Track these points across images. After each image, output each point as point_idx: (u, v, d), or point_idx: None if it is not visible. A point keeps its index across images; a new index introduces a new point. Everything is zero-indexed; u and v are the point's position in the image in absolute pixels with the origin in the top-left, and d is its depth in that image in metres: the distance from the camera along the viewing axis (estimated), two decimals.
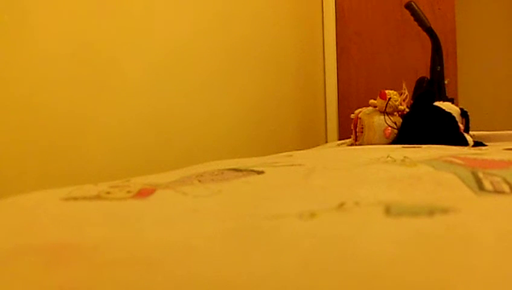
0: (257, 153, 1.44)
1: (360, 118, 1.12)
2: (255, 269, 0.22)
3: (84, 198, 0.38)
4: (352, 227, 0.26)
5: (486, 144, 1.06)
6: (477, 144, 1.03)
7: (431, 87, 1.17)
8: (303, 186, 0.43)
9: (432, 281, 0.20)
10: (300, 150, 1.07)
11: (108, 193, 0.40)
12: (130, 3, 1.14)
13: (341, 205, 0.34)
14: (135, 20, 1.16)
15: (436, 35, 1.22)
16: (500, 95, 2.82)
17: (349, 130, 1.19)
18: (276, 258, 0.22)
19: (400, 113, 1.12)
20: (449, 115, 1.02)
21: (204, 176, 0.49)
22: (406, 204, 0.30)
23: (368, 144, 1.07)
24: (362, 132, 1.11)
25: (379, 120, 1.08)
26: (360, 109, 1.16)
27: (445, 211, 0.27)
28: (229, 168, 0.53)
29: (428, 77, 1.21)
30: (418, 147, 0.78)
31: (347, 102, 2.29)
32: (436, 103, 1.06)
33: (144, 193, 0.39)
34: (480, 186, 0.39)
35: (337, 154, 0.72)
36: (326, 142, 2.20)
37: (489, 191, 0.38)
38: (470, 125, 1.09)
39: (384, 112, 1.08)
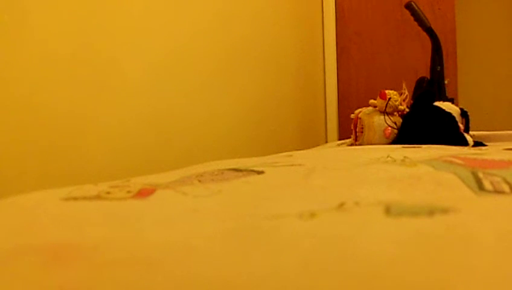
0: (257, 153, 1.44)
1: (360, 118, 1.13)
2: (255, 269, 0.22)
3: (84, 198, 0.38)
4: (352, 227, 0.26)
5: (486, 144, 1.06)
6: (477, 144, 1.03)
7: (431, 87, 1.17)
8: (303, 186, 0.43)
9: (432, 281, 0.20)
10: (300, 150, 1.07)
11: (108, 193, 0.40)
12: (130, 4, 1.14)
13: (341, 205, 0.34)
14: (135, 20, 1.16)
15: (436, 35, 1.22)
16: (500, 95, 2.82)
17: (349, 130, 1.19)
18: (276, 258, 0.22)
19: (400, 113, 1.12)
20: (449, 115, 1.02)
21: (204, 176, 0.49)
22: (406, 204, 0.30)
23: (368, 144, 1.07)
24: (362, 132, 1.11)
25: (379, 120, 1.08)
26: (360, 109, 1.16)
27: (445, 211, 0.27)
28: (229, 168, 0.53)
29: (428, 77, 1.21)
30: (418, 147, 0.78)
31: (347, 102, 2.29)
32: (436, 103, 1.06)
33: (143, 193, 0.39)
34: (480, 186, 0.39)
35: (337, 154, 0.72)
36: (326, 142, 2.20)
37: (489, 191, 0.38)
38: (470, 125, 1.09)
39: (384, 112, 1.08)
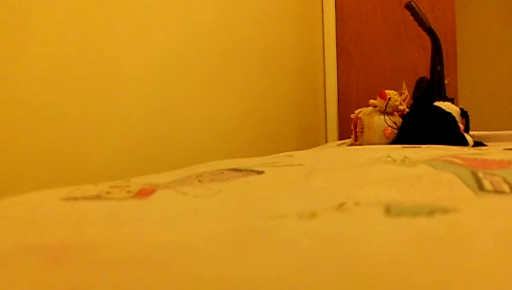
0: (257, 153, 1.45)
1: (360, 118, 1.13)
2: (255, 269, 0.22)
3: (84, 198, 0.38)
4: (352, 227, 0.26)
5: (486, 144, 1.06)
6: (477, 144, 1.03)
7: (431, 87, 1.17)
8: (303, 186, 0.43)
9: (432, 281, 0.20)
10: (300, 150, 1.07)
11: (108, 193, 0.40)
12: (130, 4, 1.14)
13: (341, 205, 0.34)
14: (135, 20, 1.16)
15: (436, 35, 1.22)
16: (500, 95, 2.82)
17: (349, 130, 1.19)
18: (276, 258, 0.22)
19: (399, 113, 1.13)
20: (449, 115, 1.02)
21: (204, 176, 0.49)
22: (406, 204, 0.30)
23: (368, 144, 1.07)
24: (362, 132, 1.11)
25: (379, 120, 1.08)
26: (360, 109, 1.16)
27: (445, 211, 0.27)
28: (229, 168, 0.53)
29: (428, 77, 1.21)
30: (418, 147, 0.78)
31: (347, 102, 2.29)
32: (436, 103, 1.06)
33: (144, 193, 0.39)
34: (480, 186, 0.39)
35: (337, 154, 0.72)
36: (326, 142, 2.20)
37: (489, 191, 0.38)
38: (470, 125, 1.09)
39: (384, 112, 1.08)
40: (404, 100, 1.12)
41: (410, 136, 1.02)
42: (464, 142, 1.00)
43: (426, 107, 1.06)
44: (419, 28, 1.24)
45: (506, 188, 0.38)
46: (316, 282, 0.20)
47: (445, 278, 0.20)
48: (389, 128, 1.07)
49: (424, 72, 1.32)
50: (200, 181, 0.46)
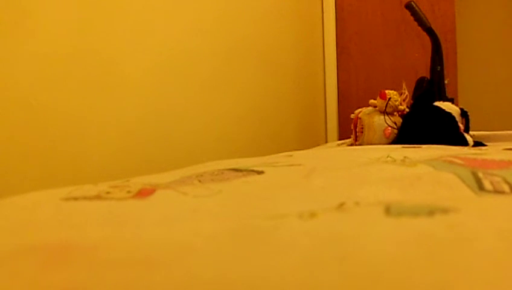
0: (257, 153, 1.44)
1: (360, 118, 1.13)
2: (255, 269, 0.22)
3: (84, 198, 0.38)
4: (352, 227, 0.26)
5: (486, 144, 1.06)
6: (477, 144, 1.03)
7: (431, 87, 1.17)
8: (303, 186, 0.43)
9: (432, 281, 0.20)
10: (300, 150, 1.07)
11: (108, 193, 0.40)
12: (130, 4, 1.14)
13: (341, 205, 0.34)
14: (135, 20, 1.16)
15: (436, 35, 1.22)
16: (500, 95, 2.82)
17: (349, 130, 1.19)
18: (276, 258, 0.22)
19: (399, 113, 1.12)
20: (449, 115, 1.02)
21: (204, 176, 0.49)
22: (406, 204, 0.30)
23: (368, 144, 1.07)
24: (362, 132, 1.11)
25: (379, 120, 1.08)
26: (360, 109, 1.16)
27: (445, 211, 0.27)
28: (229, 168, 0.53)
29: (428, 77, 1.21)
30: (418, 147, 0.79)
31: (347, 102, 2.29)
32: (436, 103, 1.06)
33: (144, 193, 0.39)
34: (480, 186, 0.39)
35: (337, 154, 0.72)
36: (326, 142, 2.20)
37: (489, 191, 0.38)
38: (470, 125, 1.09)
39: (384, 112, 1.08)
40: (404, 100, 1.12)
41: (410, 136, 1.02)
42: (463, 142, 1.00)
43: (426, 107, 1.06)
44: (419, 28, 1.24)
45: (506, 188, 0.38)
46: (316, 282, 0.20)
47: (445, 278, 0.20)
48: (389, 128, 1.07)
49: (424, 72, 1.32)
50: (200, 181, 0.46)
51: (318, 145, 1.76)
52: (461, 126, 1.04)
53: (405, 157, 0.60)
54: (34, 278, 0.22)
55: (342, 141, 1.42)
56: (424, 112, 1.05)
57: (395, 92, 1.10)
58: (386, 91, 1.08)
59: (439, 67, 1.20)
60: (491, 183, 0.39)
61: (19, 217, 0.34)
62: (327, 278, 0.21)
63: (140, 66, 1.17)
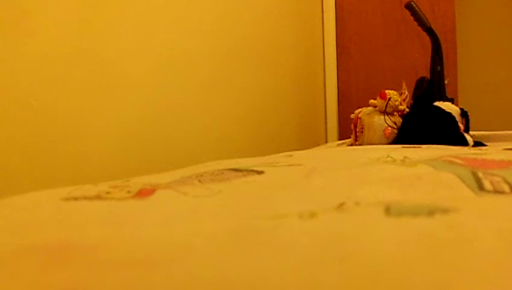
0: (257, 153, 1.44)
1: (360, 118, 1.13)
2: (255, 269, 0.22)
3: (84, 198, 0.38)
4: (352, 227, 0.26)
5: (486, 144, 1.06)
6: (477, 144, 1.03)
7: (431, 87, 1.17)
8: (303, 186, 0.43)
9: (432, 281, 0.20)
10: (300, 150, 1.07)
11: (108, 193, 0.40)
12: (130, 4, 1.14)
13: (341, 205, 0.34)
14: (135, 21, 1.16)
15: (436, 35, 1.22)
16: (500, 95, 2.82)
17: (349, 130, 1.19)
18: (276, 258, 0.22)
19: (399, 113, 1.12)
20: (449, 115, 1.02)
21: (204, 176, 0.49)
22: (406, 204, 0.30)
23: (368, 144, 1.07)
24: (362, 132, 1.11)
25: (379, 120, 1.08)
26: (360, 109, 1.16)
27: (445, 211, 0.27)
28: (229, 168, 0.53)
29: (428, 77, 1.21)
30: (418, 147, 0.78)
31: (347, 102, 2.29)
32: (436, 103, 1.06)
33: (144, 193, 0.39)
34: (480, 186, 0.39)
35: (337, 154, 0.72)
36: (326, 142, 2.20)
37: (489, 191, 0.38)
38: (470, 125, 1.09)
39: (384, 112, 1.08)
40: (404, 100, 1.12)
41: (410, 136, 1.02)
42: (464, 142, 1.00)
43: (426, 107, 1.06)
44: (419, 28, 1.24)
45: (506, 188, 0.38)
46: (316, 282, 0.20)
47: (445, 278, 0.20)
48: (389, 128, 1.07)
49: (424, 72, 1.32)
50: (200, 181, 0.46)
51: (318, 145, 1.76)
52: (461, 126, 1.04)
53: (405, 157, 0.60)
54: (34, 278, 0.22)
55: (342, 141, 1.42)
56: (424, 112, 1.05)
57: (395, 92, 1.10)
58: (386, 91, 1.08)
59: (439, 67, 1.20)
60: (491, 183, 0.39)
61: (19, 217, 0.34)
62: (327, 278, 0.21)
63: (140, 66, 1.17)
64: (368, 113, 1.11)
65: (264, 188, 0.42)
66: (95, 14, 1.05)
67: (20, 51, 0.89)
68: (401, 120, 1.09)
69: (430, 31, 1.22)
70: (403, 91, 1.14)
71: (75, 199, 0.38)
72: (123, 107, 1.12)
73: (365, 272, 0.21)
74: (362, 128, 1.11)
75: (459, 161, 0.48)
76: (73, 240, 0.27)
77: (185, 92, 1.33)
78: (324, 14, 2.32)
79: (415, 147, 0.79)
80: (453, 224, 0.25)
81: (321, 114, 2.31)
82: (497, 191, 0.38)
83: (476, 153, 0.57)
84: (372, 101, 1.12)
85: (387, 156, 0.62)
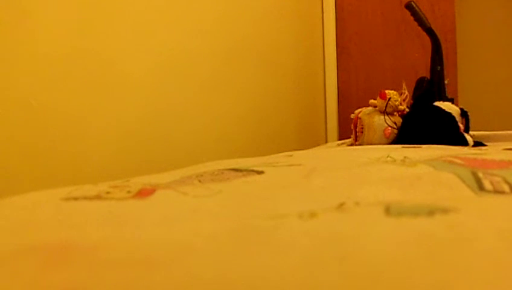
0: (257, 153, 1.44)
1: (360, 118, 1.13)
2: (255, 269, 0.22)
3: (84, 198, 0.38)
4: (352, 227, 0.26)
5: (486, 144, 1.06)
6: (477, 144, 1.03)
7: (431, 87, 1.17)
8: (303, 186, 0.43)
9: (432, 281, 0.20)
10: (300, 150, 1.07)
11: (108, 193, 0.40)
12: (130, 4, 1.14)
13: (341, 205, 0.34)
14: (135, 21, 1.16)
15: (436, 35, 1.22)
16: (500, 95, 2.82)
17: (349, 130, 1.19)
18: (276, 258, 0.22)
19: (399, 113, 1.12)
20: (449, 115, 1.02)
21: (204, 176, 0.49)
22: (406, 204, 0.30)
23: (368, 144, 1.07)
24: (362, 132, 1.11)
25: (379, 120, 1.08)
26: (360, 109, 1.16)
27: (445, 211, 0.27)
28: (229, 168, 0.53)
29: (428, 77, 1.21)
30: (418, 147, 0.78)
31: (347, 102, 2.29)
32: (436, 103, 1.06)
33: (144, 193, 0.39)
34: (480, 186, 0.39)
35: (337, 154, 0.72)
36: (326, 142, 2.20)
37: (489, 191, 0.38)
38: (470, 125, 1.09)
39: (384, 112, 1.08)
40: (404, 100, 1.12)
41: (410, 136, 1.02)
42: (464, 142, 1.00)
43: (426, 107, 1.06)
44: (419, 28, 1.24)
45: (506, 188, 0.38)
46: (316, 282, 0.20)
47: (445, 278, 0.20)
48: (389, 128, 1.07)
49: (424, 72, 1.32)
50: (200, 181, 0.46)
51: (318, 145, 1.76)
52: (461, 126, 1.04)
53: (405, 157, 0.60)
54: (34, 278, 0.22)
55: (342, 141, 1.42)
56: (424, 112, 1.05)
57: (395, 92, 1.10)
58: (386, 91, 1.08)
59: (439, 67, 1.20)
60: (491, 183, 0.39)
61: (19, 217, 0.34)
62: (327, 278, 0.21)
63: (140, 66, 1.17)
64: (368, 113, 1.11)
65: (264, 188, 0.42)
66: (95, 14, 1.05)
67: (20, 51, 0.89)
68: (401, 120, 1.09)
69: (430, 31, 1.22)
70: (403, 91, 1.14)
71: (75, 199, 0.38)
72: (123, 107, 1.12)
73: (365, 272, 0.21)
74: (362, 128, 1.11)
75: (459, 161, 0.48)
76: (73, 240, 0.27)
77: (185, 92, 1.33)
78: (324, 14, 2.32)
79: (415, 147, 0.79)
80: (453, 224, 0.25)
81: (321, 114, 2.31)
82: (497, 191, 0.38)
83: (476, 153, 0.57)
84: (372, 101, 1.12)
85: (387, 156, 0.62)
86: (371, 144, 1.06)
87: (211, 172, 0.51)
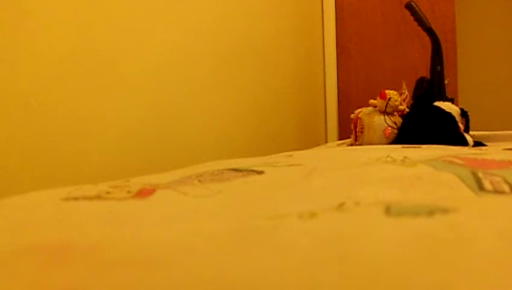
0: (257, 153, 1.44)
1: (360, 118, 1.13)
2: (255, 269, 0.22)
3: (84, 198, 0.38)
4: (352, 227, 0.26)
5: (486, 144, 1.06)
6: (477, 144, 1.03)
7: (431, 87, 1.17)
8: (303, 186, 0.43)
9: (432, 281, 0.20)
10: (300, 150, 1.07)
11: (108, 193, 0.40)
12: (130, 4, 1.14)
13: (341, 205, 0.34)
14: (135, 20, 1.16)
15: (436, 35, 1.22)
16: (500, 95, 2.82)
17: (349, 130, 1.19)
18: (276, 258, 0.22)
19: (399, 113, 1.13)
20: (449, 115, 1.02)
21: (204, 176, 0.49)
22: (406, 204, 0.30)
23: (368, 144, 1.07)
24: (362, 132, 1.11)
25: (379, 120, 1.08)
26: (360, 109, 1.16)
27: (445, 211, 0.27)
28: (229, 168, 0.53)
29: (428, 77, 1.21)
30: (418, 147, 0.79)
31: (347, 102, 2.29)
32: (436, 103, 1.06)
33: (144, 193, 0.39)
34: (480, 186, 0.39)
35: (337, 154, 0.72)
36: (326, 142, 2.20)
37: (489, 191, 0.38)
38: (470, 125, 1.09)
39: (384, 112, 1.08)
40: (404, 100, 1.12)
41: (410, 136, 1.02)
42: (464, 142, 1.00)
43: (426, 107, 1.06)
44: (419, 28, 1.24)
45: (506, 188, 0.38)
46: (316, 282, 0.20)
47: (445, 278, 0.20)
48: (389, 128, 1.07)
49: (424, 72, 1.32)
50: (200, 181, 0.46)
51: (318, 145, 1.76)
52: (461, 126, 1.04)
53: (405, 157, 0.60)
54: (34, 278, 0.22)
55: (342, 141, 1.42)
56: (424, 112, 1.05)
57: (395, 92, 1.10)
58: (386, 91, 1.09)
59: (439, 67, 1.20)
60: (491, 183, 0.39)
61: (19, 217, 0.34)
62: (327, 278, 0.21)
63: (141, 66, 1.17)
64: (368, 113, 1.11)
65: (264, 188, 0.42)
66: (95, 14, 1.05)
67: (20, 51, 0.89)
68: (401, 120, 1.09)
69: (430, 31, 1.22)
70: (403, 91, 1.14)
71: (75, 199, 0.38)
72: (123, 107, 1.12)
73: (365, 272, 0.21)
74: (362, 128, 1.11)
75: (459, 161, 0.48)
76: (73, 240, 0.27)
77: (185, 92, 1.33)
78: (324, 14, 2.32)
79: (415, 147, 0.79)
80: (453, 224, 0.25)
81: (321, 114, 2.31)
82: (497, 191, 0.38)
83: (476, 153, 0.57)
84: (372, 101, 1.12)
85: (387, 156, 0.62)
86: (371, 144, 1.06)
87: (211, 172, 0.51)
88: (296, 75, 2.03)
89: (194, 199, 0.38)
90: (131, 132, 1.14)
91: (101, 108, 1.06)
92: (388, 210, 0.28)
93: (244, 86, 1.61)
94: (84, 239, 0.27)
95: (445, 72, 1.22)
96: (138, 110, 1.16)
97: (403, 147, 0.79)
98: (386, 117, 1.08)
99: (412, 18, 1.25)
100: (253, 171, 0.50)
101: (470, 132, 1.09)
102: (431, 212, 0.27)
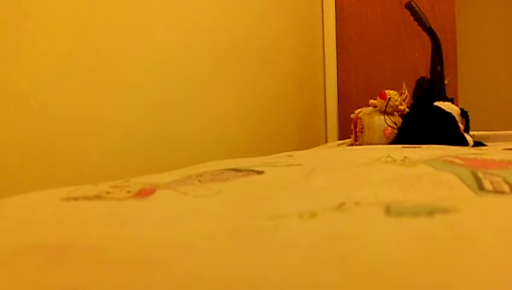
0: (257, 153, 1.44)
1: (360, 118, 1.13)
2: (255, 269, 0.22)
3: (84, 198, 0.38)
4: (352, 227, 0.26)
5: (486, 144, 1.06)
6: (477, 144, 1.03)
7: (431, 87, 1.17)
8: (303, 186, 0.43)
9: (432, 281, 0.20)
10: (300, 150, 1.07)
11: (108, 193, 0.40)
12: (130, 4, 1.14)
13: (341, 205, 0.34)
14: (135, 20, 1.16)
15: (436, 35, 1.22)
16: (500, 95, 2.82)
17: (349, 130, 1.19)
18: (276, 258, 0.22)
19: (399, 113, 1.13)
20: (449, 115, 1.02)
21: (204, 176, 0.49)
22: (406, 204, 0.30)
23: (368, 144, 1.07)
24: (362, 132, 1.11)
25: (379, 120, 1.08)
26: (360, 109, 1.16)
27: (445, 211, 0.27)
28: (229, 168, 0.53)
29: (428, 77, 1.21)
30: (418, 147, 0.79)
31: (347, 102, 2.29)
32: (436, 103, 1.06)
33: (144, 193, 0.39)
34: (480, 186, 0.39)
35: (337, 154, 0.72)
36: (326, 142, 2.20)
37: (489, 191, 0.38)
38: (470, 125, 1.09)
39: (384, 112, 1.08)
40: (404, 100, 1.12)
41: (410, 136, 1.02)
42: (464, 142, 1.00)
43: (426, 107, 1.06)
44: (419, 28, 1.24)
45: (506, 188, 0.38)
46: (316, 282, 0.20)
47: (445, 278, 0.20)
48: (389, 128, 1.07)
49: (424, 72, 1.32)
50: (200, 181, 0.46)
51: (318, 145, 1.76)
52: (461, 126, 1.04)
53: (405, 157, 0.60)
54: (34, 278, 0.22)
55: (342, 141, 1.42)
56: (424, 112, 1.05)
57: (395, 92, 1.10)
58: (386, 91, 1.09)
59: (439, 67, 1.20)
60: (491, 183, 0.39)
61: (19, 217, 0.34)
62: (327, 278, 0.21)
63: (141, 66, 1.17)
64: (368, 113, 1.11)
65: (264, 188, 0.42)
66: (95, 14, 1.05)
67: (20, 51, 0.89)
68: (401, 120, 1.09)
69: (430, 31, 1.22)
70: (403, 91, 1.14)
71: (75, 199, 0.38)
72: (123, 107, 1.12)
73: (365, 272, 0.21)
74: (362, 128, 1.11)
75: (459, 161, 0.48)
76: (73, 240, 0.27)
77: (185, 92, 1.33)
78: (324, 14, 2.32)
79: (415, 147, 0.79)
80: (453, 224, 0.25)
81: (321, 114, 2.31)
82: (497, 191, 0.38)
83: (476, 153, 0.57)
84: (372, 101, 1.12)
85: (387, 156, 0.62)
86: (371, 144, 1.06)
87: (211, 172, 0.51)
88: (296, 75, 2.03)
89: (194, 199, 0.38)
90: (131, 132, 1.14)
91: (101, 108, 1.06)
92: (388, 210, 0.28)
93: (244, 86, 1.61)
94: (84, 239, 0.27)
95: (445, 72, 1.22)
96: (138, 110, 1.16)
97: (403, 147, 0.79)
98: (386, 117, 1.08)
99: (412, 18, 1.25)
100: (253, 171, 0.50)
101: (470, 132, 1.09)
102: (431, 212, 0.27)
